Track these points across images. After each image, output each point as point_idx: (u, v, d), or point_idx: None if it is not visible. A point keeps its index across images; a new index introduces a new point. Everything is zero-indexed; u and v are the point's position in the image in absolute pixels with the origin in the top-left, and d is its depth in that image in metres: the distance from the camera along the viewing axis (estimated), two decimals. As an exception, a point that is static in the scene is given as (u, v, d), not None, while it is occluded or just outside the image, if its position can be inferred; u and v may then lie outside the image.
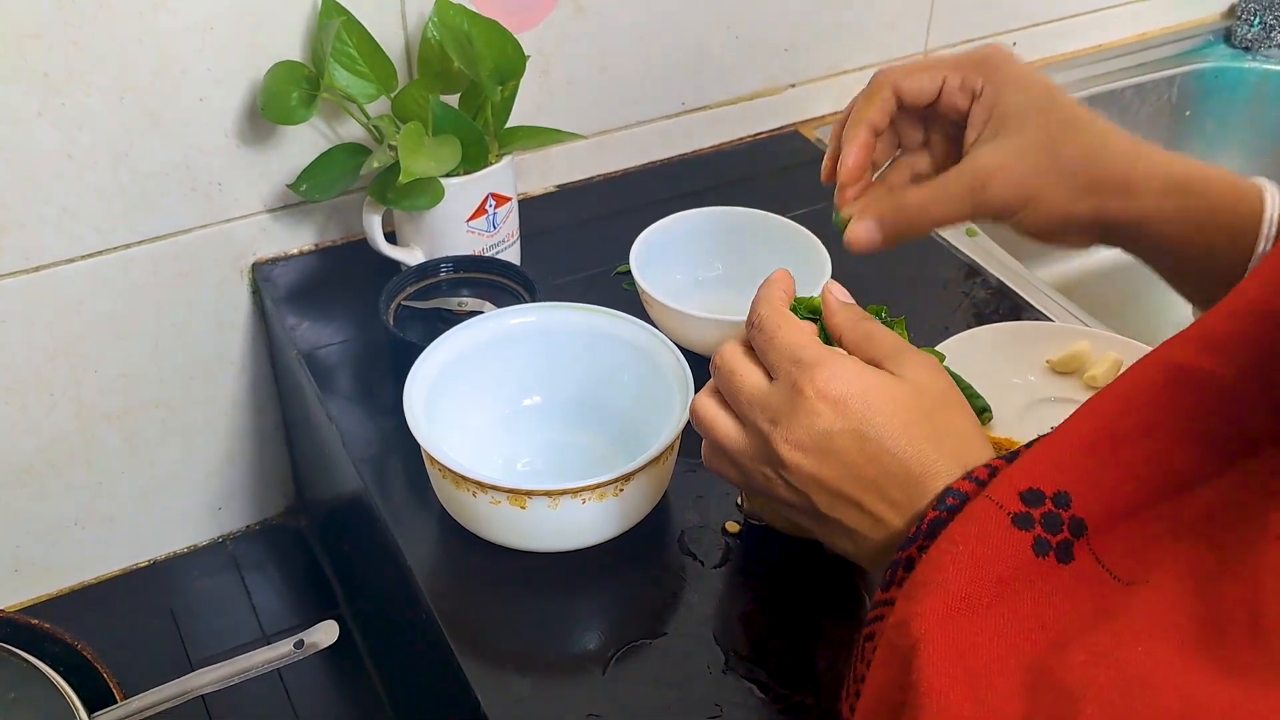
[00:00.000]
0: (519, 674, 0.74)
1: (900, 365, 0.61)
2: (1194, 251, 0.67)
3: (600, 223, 1.14)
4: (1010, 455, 0.56)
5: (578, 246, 1.10)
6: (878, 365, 0.61)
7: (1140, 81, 1.41)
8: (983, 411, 0.90)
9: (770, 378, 0.62)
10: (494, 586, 0.79)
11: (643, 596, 0.79)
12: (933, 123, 0.73)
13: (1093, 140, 0.66)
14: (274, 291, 1.05)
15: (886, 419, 0.58)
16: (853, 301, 0.67)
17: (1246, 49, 1.46)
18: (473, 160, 0.95)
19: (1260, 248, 0.65)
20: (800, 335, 0.62)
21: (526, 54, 0.96)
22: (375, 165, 0.90)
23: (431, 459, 0.77)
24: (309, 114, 0.93)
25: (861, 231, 0.72)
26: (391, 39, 1.00)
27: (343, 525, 1.09)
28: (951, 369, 0.90)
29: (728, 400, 0.64)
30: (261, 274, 1.06)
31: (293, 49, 0.97)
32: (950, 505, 0.54)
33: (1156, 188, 0.65)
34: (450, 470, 0.75)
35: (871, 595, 0.60)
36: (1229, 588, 0.44)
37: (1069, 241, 0.70)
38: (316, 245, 1.08)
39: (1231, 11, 1.49)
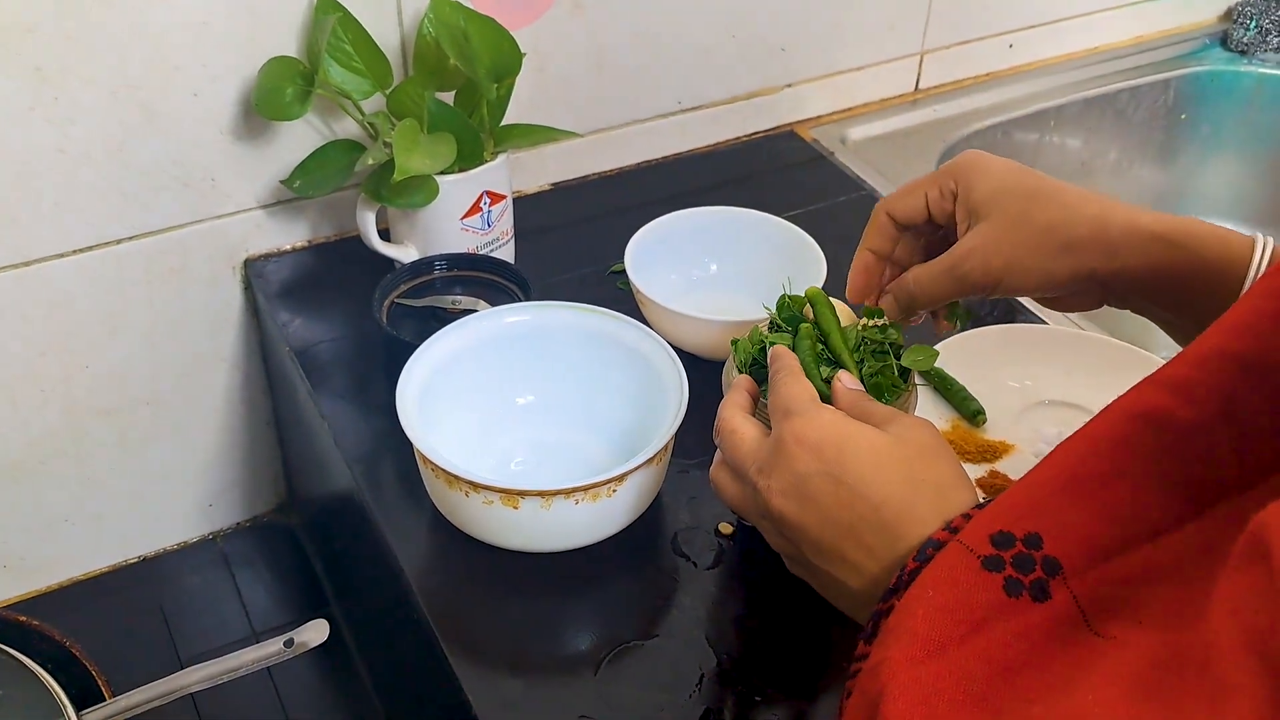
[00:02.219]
0: (510, 675, 0.74)
1: (890, 425, 0.62)
2: (1183, 302, 0.68)
3: (595, 221, 1.14)
4: (988, 503, 0.55)
5: (572, 245, 1.10)
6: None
7: (1136, 84, 1.41)
8: (977, 414, 0.90)
9: (764, 433, 0.65)
10: (486, 586, 0.79)
11: (635, 597, 0.79)
12: (935, 231, 0.76)
13: (1062, 205, 0.67)
14: (266, 288, 1.04)
15: (859, 463, 0.59)
16: (861, 388, 0.69)
17: (1242, 52, 1.46)
18: (468, 158, 0.94)
19: (1258, 255, 0.64)
20: (795, 388, 0.64)
21: (523, 51, 0.95)
22: (370, 162, 0.90)
23: (424, 458, 0.76)
24: (303, 110, 0.93)
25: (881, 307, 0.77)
26: (387, 35, 0.99)
27: (334, 523, 1.08)
28: (947, 371, 0.90)
29: (727, 459, 0.67)
30: (254, 270, 1.06)
31: (287, 45, 0.96)
32: (928, 555, 0.53)
33: (1136, 242, 0.66)
34: (443, 470, 0.74)
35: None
36: (1192, 634, 0.44)
37: (1072, 304, 0.72)
38: (310, 242, 1.08)
39: (1228, 15, 1.49)
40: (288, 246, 1.07)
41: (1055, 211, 0.67)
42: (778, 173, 1.22)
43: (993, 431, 0.90)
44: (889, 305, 0.75)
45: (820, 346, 0.73)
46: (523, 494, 0.74)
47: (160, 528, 1.18)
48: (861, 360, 0.74)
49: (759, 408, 0.72)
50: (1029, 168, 0.70)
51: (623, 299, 0.97)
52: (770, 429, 0.65)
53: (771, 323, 0.77)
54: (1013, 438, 0.89)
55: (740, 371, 0.74)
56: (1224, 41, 1.47)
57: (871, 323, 0.76)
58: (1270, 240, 0.65)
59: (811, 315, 0.75)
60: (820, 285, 0.92)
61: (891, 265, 0.76)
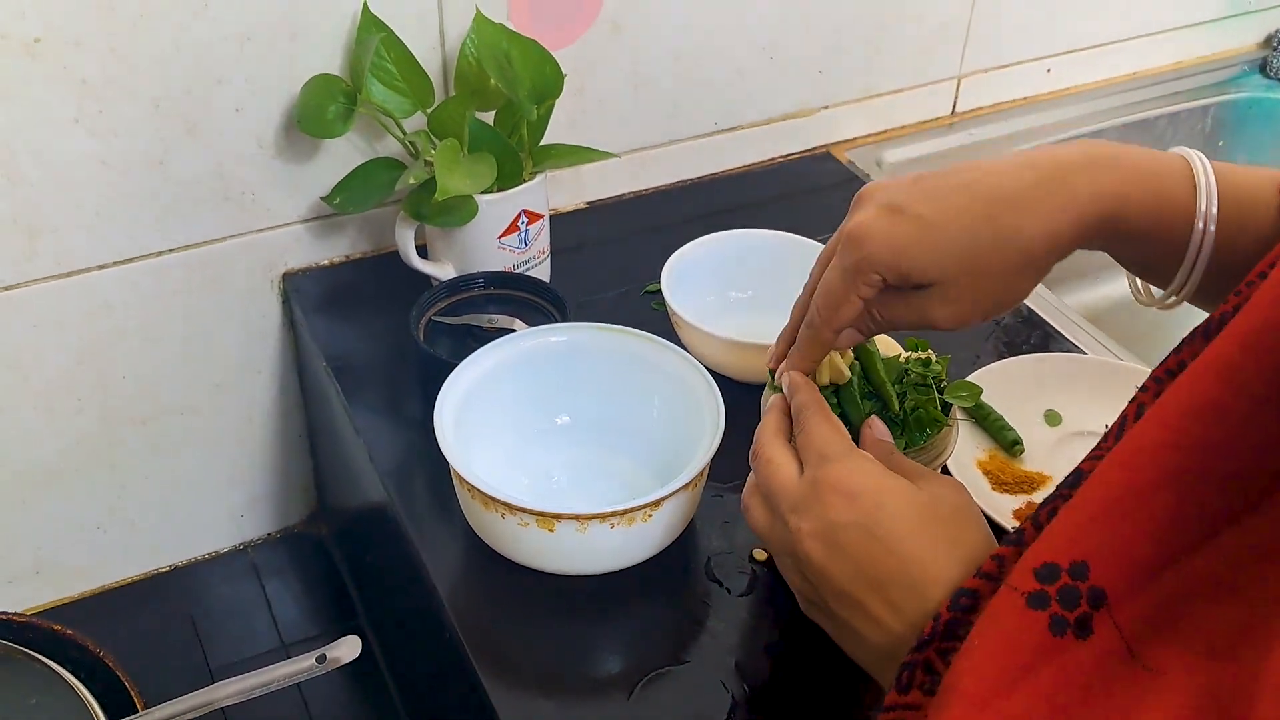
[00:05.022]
0: (543, 696, 0.74)
1: (922, 482, 0.62)
2: (1143, 256, 0.64)
3: (631, 240, 1.14)
4: (1015, 536, 0.54)
5: (608, 263, 1.10)
6: None
7: (1175, 110, 1.40)
8: (1014, 444, 0.89)
9: (800, 469, 0.64)
10: (519, 607, 0.79)
11: (668, 622, 0.79)
12: None
13: (1013, 240, 0.61)
14: (304, 302, 1.05)
15: (894, 519, 0.58)
16: (890, 439, 0.69)
17: (1281, 80, 1.45)
18: (507, 177, 0.94)
19: (1200, 225, 0.60)
20: (831, 432, 0.64)
21: (562, 71, 0.95)
22: (411, 181, 0.90)
23: (460, 478, 0.76)
24: (346, 128, 0.94)
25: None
26: (429, 55, 1.00)
27: (365, 536, 1.09)
28: (985, 401, 0.90)
29: (762, 488, 0.66)
30: (292, 284, 1.06)
31: (330, 62, 0.97)
32: (963, 605, 0.53)
33: (1085, 234, 0.62)
34: (479, 490, 0.75)
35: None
36: (1238, 664, 0.43)
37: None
38: (347, 257, 1.08)
39: (1267, 42, 1.48)
40: (326, 261, 1.08)
41: (1009, 254, 0.62)
42: (813, 194, 1.22)
43: (1030, 462, 0.89)
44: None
45: (864, 381, 0.73)
46: (559, 517, 0.74)
47: (192, 537, 1.19)
48: (904, 393, 0.74)
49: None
50: (934, 185, 0.63)
51: (658, 319, 0.97)
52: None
53: None
54: (1049, 469, 0.89)
55: None
56: (1263, 68, 1.47)
57: (914, 355, 0.76)
58: (1203, 160, 0.61)
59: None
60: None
61: None
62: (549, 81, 0.93)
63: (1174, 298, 0.64)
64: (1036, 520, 0.54)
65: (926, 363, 0.76)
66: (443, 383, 0.82)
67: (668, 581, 0.81)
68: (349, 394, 0.96)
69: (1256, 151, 1.46)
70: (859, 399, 0.73)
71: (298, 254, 1.06)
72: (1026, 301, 1.07)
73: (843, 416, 0.72)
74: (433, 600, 0.81)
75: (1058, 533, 0.50)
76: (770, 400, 0.72)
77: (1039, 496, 0.86)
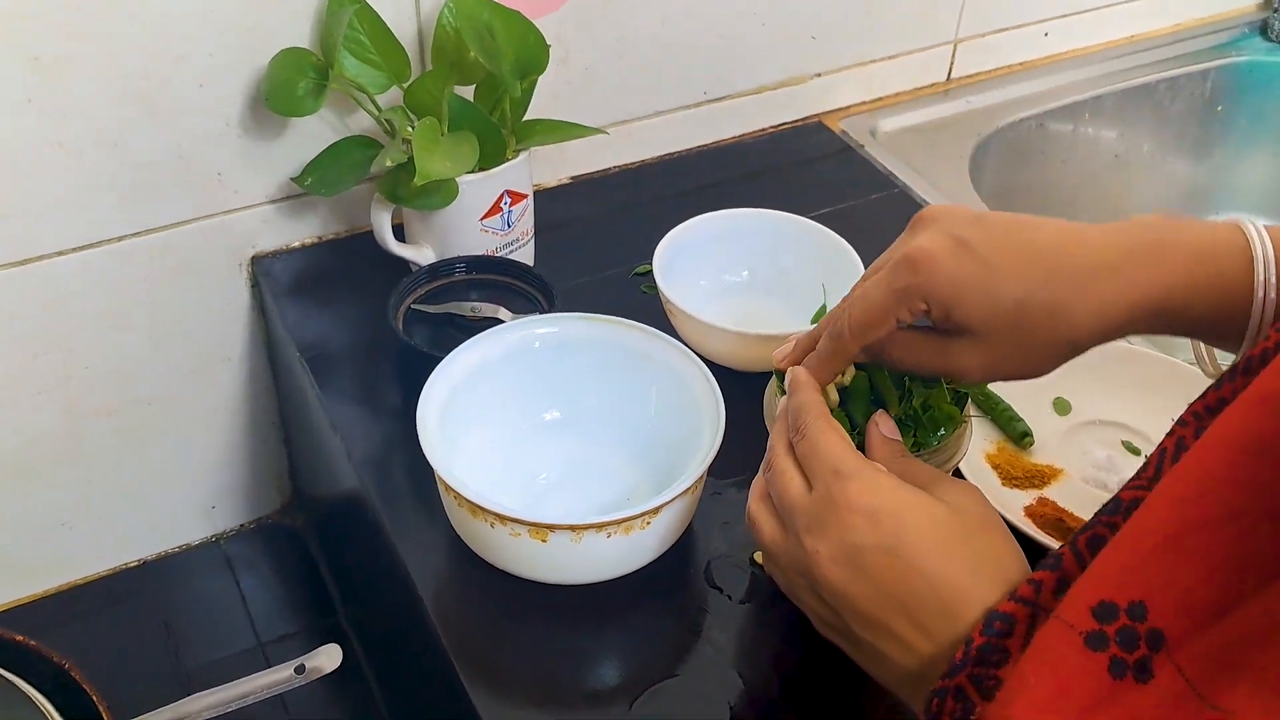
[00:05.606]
0: (534, 708, 0.70)
1: (940, 490, 0.59)
2: (1195, 334, 0.63)
3: (618, 216, 1.09)
4: (1054, 561, 0.51)
5: (595, 242, 1.05)
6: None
7: (1174, 75, 1.36)
8: (1024, 436, 0.85)
9: (810, 485, 0.61)
10: (507, 615, 0.75)
11: (665, 631, 0.75)
12: None
13: (1065, 315, 0.59)
14: (274, 286, 1.00)
15: (919, 537, 0.55)
16: (899, 438, 0.65)
17: (1282, 42, 1.41)
18: (489, 157, 0.89)
19: (1260, 294, 0.59)
20: (841, 445, 0.60)
21: (548, 44, 0.90)
22: (388, 164, 0.84)
23: (446, 485, 0.72)
24: (317, 106, 0.88)
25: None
26: (405, 26, 0.94)
27: (342, 529, 1.04)
28: (994, 391, 0.86)
29: (773, 498, 0.63)
30: (261, 268, 1.01)
31: (299, 34, 0.91)
32: (998, 630, 0.50)
33: (1134, 321, 0.60)
34: (466, 499, 0.70)
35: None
36: None
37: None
38: (320, 238, 1.03)
39: (1267, 3, 1.44)
40: (297, 243, 1.02)
41: (1057, 326, 0.59)
42: (805, 165, 1.17)
43: (1040, 454, 0.85)
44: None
45: (871, 389, 0.69)
46: (552, 528, 0.69)
47: (161, 530, 1.14)
48: (910, 391, 0.70)
49: None
50: (1001, 229, 0.60)
51: (649, 303, 0.92)
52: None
53: None
54: (1060, 461, 0.85)
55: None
56: (1264, 31, 1.42)
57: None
58: (1260, 231, 0.59)
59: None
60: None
61: None
62: (533, 55, 0.87)
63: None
64: (1075, 546, 0.52)
65: (950, 396, 0.71)
66: (423, 374, 0.77)
67: (665, 588, 0.77)
68: (323, 384, 0.91)
69: (1257, 116, 1.42)
70: (866, 403, 0.69)
71: (267, 236, 1.00)
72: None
73: (847, 417, 0.68)
74: (416, 605, 0.77)
75: (1111, 568, 0.48)
76: (781, 404, 0.68)
77: (1050, 492, 0.83)
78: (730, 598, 0.76)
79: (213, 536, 1.17)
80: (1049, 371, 0.63)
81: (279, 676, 0.82)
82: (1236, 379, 0.52)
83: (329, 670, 0.83)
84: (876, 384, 0.70)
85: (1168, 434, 0.54)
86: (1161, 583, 0.46)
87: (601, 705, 0.70)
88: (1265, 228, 0.59)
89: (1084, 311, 0.59)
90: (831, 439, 0.61)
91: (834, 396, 0.69)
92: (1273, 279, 0.58)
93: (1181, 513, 0.47)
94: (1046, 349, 0.61)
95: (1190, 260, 0.59)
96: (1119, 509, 0.52)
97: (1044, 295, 0.59)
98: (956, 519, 0.56)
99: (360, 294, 0.98)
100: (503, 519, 0.70)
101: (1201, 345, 0.66)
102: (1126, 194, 1.40)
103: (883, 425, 0.66)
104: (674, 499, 0.71)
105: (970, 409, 0.71)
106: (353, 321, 0.96)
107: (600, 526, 0.70)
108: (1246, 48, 1.41)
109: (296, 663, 0.82)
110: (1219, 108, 1.41)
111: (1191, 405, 0.54)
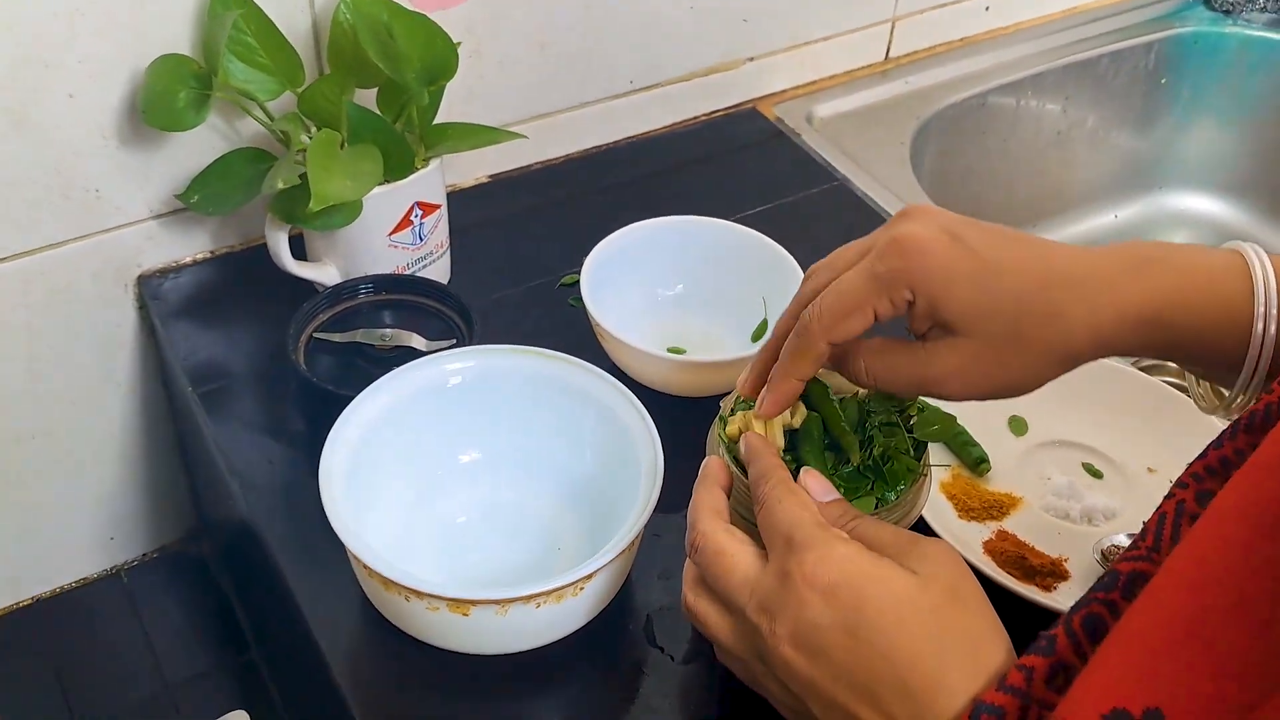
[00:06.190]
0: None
1: (909, 556, 0.52)
2: (1188, 359, 0.58)
3: (542, 217, 1.01)
4: (1046, 645, 0.46)
5: (516, 249, 0.97)
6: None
7: (1118, 48, 1.30)
8: (980, 462, 0.80)
9: (760, 557, 0.54)
10: (426, 685, 0.68)
11: (601, 699, 0.68)
12: None
13: (1057, 320, 0.55)
14: (162, 308, 0.91)
15: (880, 615, 0.49)
16: (835, 496, 0.58)
17: (1226, 13, 1.35)
18: (396, 169, 0.81)
19: (1259, 327, 0.54)
20: (796, 511, 0.54)
21: (456, 40, 0.82)
22: (280, 185, 0.76)
23: (357, 559, 0.65)
24: (199, 119, 0.79)
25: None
26: (296, 21, 0.85)
27: (248, 565, 0.97)
28: (947, 413, 0.79)
29: (711, 584, 0.56)
30: (149, 288, 0.92)
31: (179, 38, 0.82)
32: None
33: (1127, 332, 0.55)
34: (378, 573, 0.63)
35: None
36: None
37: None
38: (212, 253, 0.94)
39: (1211, -28, 1.39)
40: (187, 259, 0.93)
41: (1052, 332, 0.55)
42: (740, 155, 1.10)
43: (997, 481, 0.80)
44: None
45: (823, 432, 0.63)
46: (473, 603, 0.63)
47: (56, 564, 1.05)
48: (870, 437, 0.64)
49: (733, 494, 0.61)
50: (991, 232, 0.56)
51: (578, 317, 0.84)
52: (751, 533, 0.56)
53: None
54: (1019, 489, 0.79)
55: (729, 453, 0.63)
56: (1207, 1, 1.37)
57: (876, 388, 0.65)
58: (1260, 255, 0.55)
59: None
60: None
61: None
62: (440, 60, 0.79)
63: (1241, 398, 0.57)
64: (1070, 627, 0.47)
65: (891, 396, 0.65)
66: (328, 411, 0.70)
67: (602, 648, 0.70)
68: (217, 420, 0.83)
69: (1201, 87, 1.37)
70: (820, 449, 0.63)
71: (153, 253, 0.92)
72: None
73: (796, 464, 0.62)
74: (323, 670, 0.70)
75: (1119, 667, 0.43)
76: (706, 466, 0.61)
77: (1010, 524, 0.77)
78: (672, 658, 0.70)
79: (112, 569, 1.08)
80: (1035, 388, 0.57)
81: (181, 748, 0.75)
82: (1239, 436, 0.49)
83: (237, 738, 0.76)
84: (831, 428, 0.63)
85: (1167, 496, 0.50)
86: (1179, 686, 0.41)
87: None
88: (1268, 256, 0.55)
89: (1077, 316, 0.54)
90: (789, 504, 0.54)
91: (779, 443, 0.62)
92: (1274, 310, 0.54)
93: (1193, 600, 0.42)
94: (1039, 360, 0.56)
95: (1187, 274, 0.55)
96: (1116, 583, 0.47)
97: (1041, 300, 0.54)
98: (923, 592, 0.50)
99: (258, 315, 0.90)
100: (419, 594, 0.63)
101: (1195, 381, 0.61)
102: (1070, 170, 1.35)
103: (814, 486, 0.58)
104: (610, 561, 0.64)
105: (930, 455, 0.65)
106: (250, 348, 0.88)
107: (529, 599, 0.63)
108: (1190, 18, 1.35)
109: (199, 733, 0.75)
110: (1163, 80, 1.36)
111: (1191, 466, 0.50)
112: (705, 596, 0.56)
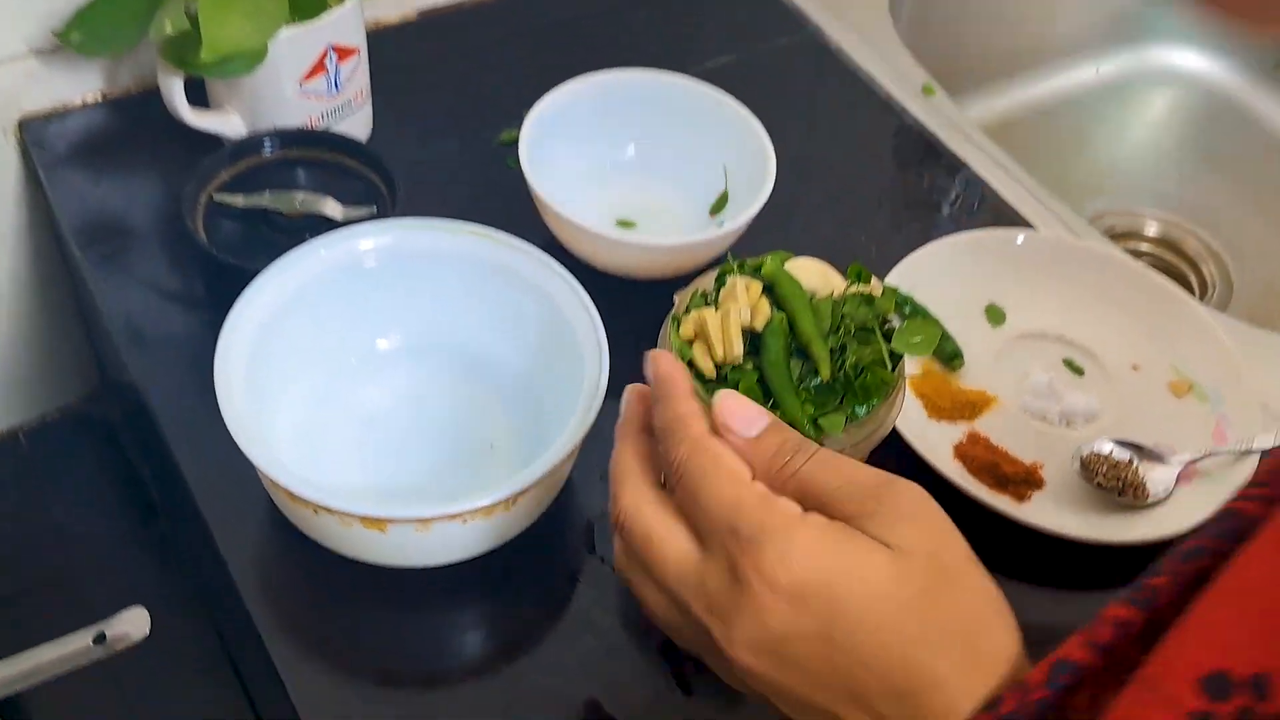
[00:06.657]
0: (362, 700, 0.59)
1: (876, 522, 0.43)
2: None
3: (474, 60, 0.91)
4: (1148, 599, 0.40)
5: (448, 98, 0.87)
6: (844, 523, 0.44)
7: None
8: (954, 357, 0.73)
9: (700, 542, 0.45)
10: (340, 599, 0.62)
11: (536, 610, 0.63)
12: None
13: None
14: (47, 156, 0.81)
15: (857, 620, 0.42)
16: (765, 423, 0.46)
17: None
18: (305, 6, 0.71)
19: None
20: (733, 489, 0.44)
21: None
22: (169, 31, 0.65)
23: (263, 474, 0.57)
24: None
25: None
26: None
27: (153, 445, 0.89)
28: (914, 299, 0.72)
29: (644, 569, 0.47)
30: (32, 134, 0.81)
31: None
32: (1064, 683, 0.39)
33: None
34: (283, 487, 0.56)
35: None
36: None
37: None
38: (104, 95, 0.83)
39: None
40: (76, 102, 0.83)
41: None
42: (698, -5, 1.00)
43: (970, 377, 0.73)
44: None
45: (789, 336, 0.55)
46: (391, 521, 0.56)
47: (-59, 429, 0.97)
48: (842, 346, 0.56)
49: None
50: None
51: (517, 181, 0.75)
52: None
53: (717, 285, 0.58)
54: (994, 386, 0.73)
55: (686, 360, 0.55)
56: None
57: (854, 289, 0.58)
58: None
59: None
60: (767, 182, 0.73)
61: None
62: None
63: None
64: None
65: (869, 299, 0.58)
66: (230, 284, 0.62)
67: (536, 557, 0.64)
68: (109, 283, 0.75)
69: None
70: (785, 361, 0.55)
71: (36, 94, 0.81)
72: (921, 119, 0.90)
73: (759, 383, 0.55)
74: (227, 580, 0.64)
75: (1226, 624, 0.37)
76: (627, 400, 0.50)
77: (983, 424, 0.71)
78: (614, 568, 0.64)
79: (8, 430, 1.00)
80: None
81: (74, 648, 0.68)
82: None
83: (137, 639, 0.69)
84: (799, 333, 0.55)
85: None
86: None
87: (439, 687, 0.60)
88: None
89: None
90: (717, 482, 0.44)
91: (736, 350, 0.54)
92: None
93: None
94: None
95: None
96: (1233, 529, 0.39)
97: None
98: (903, 580, 0.42)
99: (156, 167, 0.80)
100: (329, 510, 0.55)
101: None
102: (1050, 22, 1.25)
103: (736, 417, 0.46)
104: (547, 473, 0.57)
105: (905, 366, 0.58)
106: (146, 205, 0.78)
107: (454, 517, 0.56)
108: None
109: (96, 631, 0.68)
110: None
111: None
112: (640, 573, 0.47)
